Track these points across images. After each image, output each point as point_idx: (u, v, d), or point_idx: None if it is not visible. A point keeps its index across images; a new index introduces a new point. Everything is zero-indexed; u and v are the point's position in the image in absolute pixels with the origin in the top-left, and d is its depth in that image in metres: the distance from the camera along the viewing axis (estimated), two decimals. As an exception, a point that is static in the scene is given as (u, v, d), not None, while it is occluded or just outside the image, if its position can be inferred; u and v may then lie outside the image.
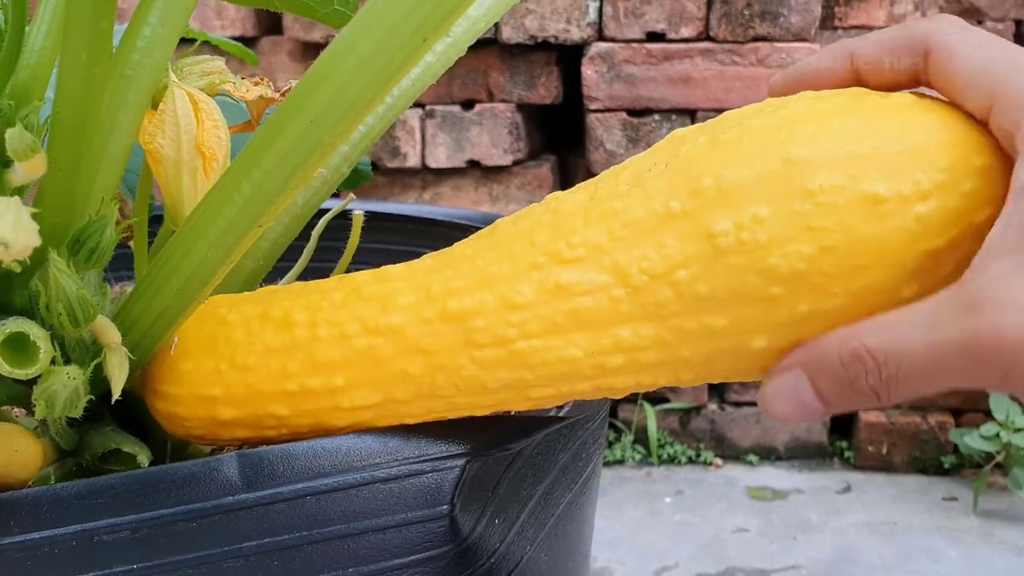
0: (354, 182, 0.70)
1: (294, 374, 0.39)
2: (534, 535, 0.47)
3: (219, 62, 0.46)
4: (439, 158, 1.85)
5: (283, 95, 0.48)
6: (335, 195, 0.54)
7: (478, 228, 0.70)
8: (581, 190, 0.39)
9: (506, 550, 0.44)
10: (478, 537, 0.42)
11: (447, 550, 0.40)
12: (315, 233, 0.54)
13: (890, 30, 0.38)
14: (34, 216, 0.32)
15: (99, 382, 0.39)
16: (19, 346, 0.37)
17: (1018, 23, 2.42)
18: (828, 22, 2.06)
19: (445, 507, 0.40)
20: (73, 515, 0.37)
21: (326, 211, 0.56)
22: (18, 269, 0.36)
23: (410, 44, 0.33)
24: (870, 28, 2.07)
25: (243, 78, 0.47)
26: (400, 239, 0.74)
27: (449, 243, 0.72)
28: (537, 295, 0.37)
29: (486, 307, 0.37)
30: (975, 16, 2.39)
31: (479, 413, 0.40)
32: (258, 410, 0.40)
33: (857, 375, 0.35)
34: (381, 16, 0.32)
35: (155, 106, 0.44)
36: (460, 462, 0.40)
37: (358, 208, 0.58)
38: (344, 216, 0.56)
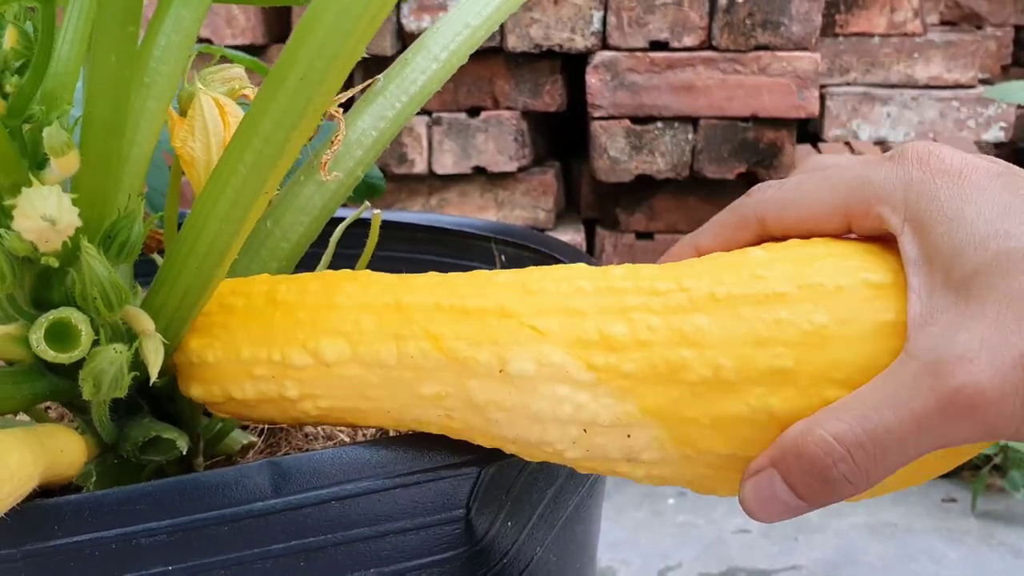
0: (367, 194, 0.72)
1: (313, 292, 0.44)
2: (544, 536, 0.49)
3: (238, 69, 0.49)
4: (445, 164, 1.87)
5: None
6: (345, 205, 0.56)
7: (485, 236, 0.72)
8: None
9: (517, 551, 0.46)
10: (492, 539, 0.44)
11: (463, 551, 0.42)
12: (333, 240, 0.56)
13: (723, 217, 0.44)
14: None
15: (137, 372, 0.41)
16: (61, 337, 0.39)
17: (1018, 29, 2.44)
18: (829, 30, 2.08)
19: (461, 511, 0.42)
20: (113, 520, 0.39)
21: (341, 220, 0.58)
22: (56, 264, 0.38)
23: None
24: (871, 36, 2.09)
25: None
26: (407, 247, 0.75)
27: (456, 251, 0.74)
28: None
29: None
30: (975, 22, 2.41)
31: (458, 343, 0.42)
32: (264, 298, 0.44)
33: (827, 465, 0.35)
34: None
35: (183, 113, 0.47)
36: (476, 468, 0.42)
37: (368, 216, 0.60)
38: (357, 224, 0.58)
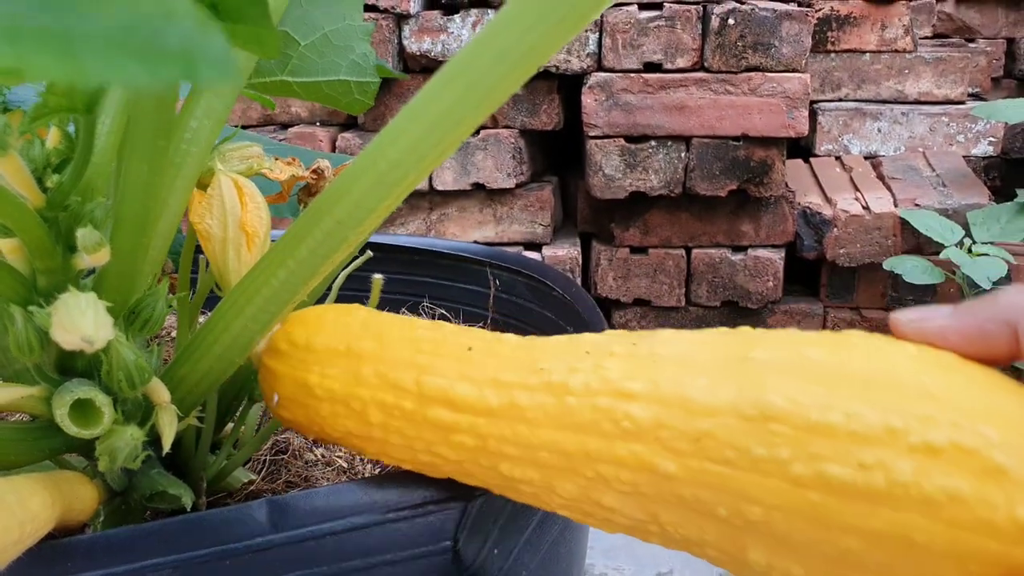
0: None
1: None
2: (529, 560, 0.51)
3: (257, 148, 0.51)
4: (446, 181, 1.90)
5: (313, 172, 0.53)
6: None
7: (480, 261, 0.74)
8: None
9: (503, 576, 0.48)
10: (479, 567, 0.46)
11: (450, 580, 0.45)
12: (335, 287, 0.59)
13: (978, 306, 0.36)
14: (99, 296, 0.38)
15: (149, 431, 0.44)
16: (83, 408, 0.42)
17: (1009, 41, 2.46)
18: (821, 46, 2.10)
19: (449, 542, 0.44)
20: (122, 556, 0.41)
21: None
22: None
23: (420, 166, 0.38)
24: (862, 52, 2.12)
25: (276, 159, 0.52)
26: (405, 270, 0.77)
27: (452, 274, 0.76)
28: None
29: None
30: (967, 34, 2.43)
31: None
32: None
33: None
34: (396, 140, 0.38)
35: (202, 187, 0.50)
36: (463, 502, 0.45)
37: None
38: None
